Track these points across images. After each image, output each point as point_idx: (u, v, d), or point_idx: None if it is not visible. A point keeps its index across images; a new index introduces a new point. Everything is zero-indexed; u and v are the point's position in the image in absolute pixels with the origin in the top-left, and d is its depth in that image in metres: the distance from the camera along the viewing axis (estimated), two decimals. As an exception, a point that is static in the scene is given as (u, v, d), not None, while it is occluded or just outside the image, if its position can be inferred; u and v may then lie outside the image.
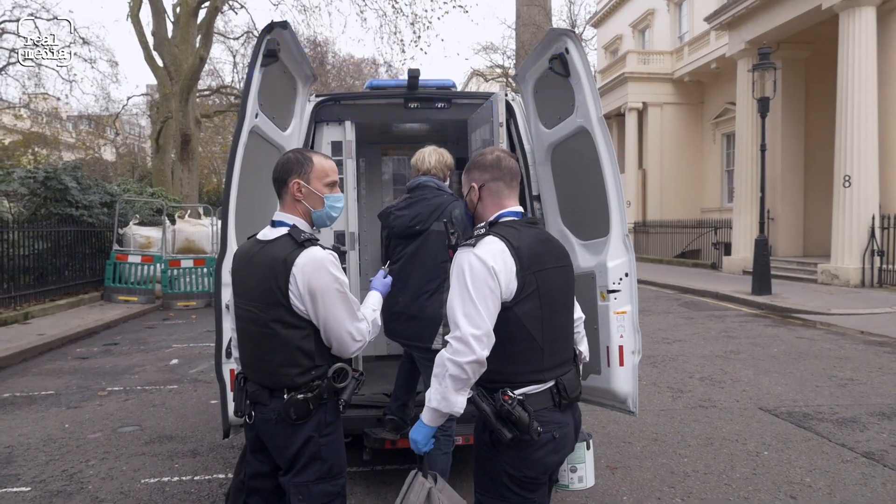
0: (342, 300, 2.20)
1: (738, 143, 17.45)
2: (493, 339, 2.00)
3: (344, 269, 2.30)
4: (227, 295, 2.52)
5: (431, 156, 3.65)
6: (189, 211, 16.00)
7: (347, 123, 4.38)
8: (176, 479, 4.13)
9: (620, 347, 3.14)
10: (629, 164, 24.15)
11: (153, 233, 13.83)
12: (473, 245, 2.05)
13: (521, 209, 2.24)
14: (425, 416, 2.09)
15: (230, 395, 2.87)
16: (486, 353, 1.98)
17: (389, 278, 2.61)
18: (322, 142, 4.39)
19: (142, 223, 14.46)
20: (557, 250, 2.24)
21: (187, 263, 12.98)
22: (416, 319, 3.39)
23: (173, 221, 14.59)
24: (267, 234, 2.31)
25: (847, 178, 13.36)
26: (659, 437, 4.79)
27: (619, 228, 3.18)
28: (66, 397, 6.17)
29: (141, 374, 7.12)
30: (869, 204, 13.23)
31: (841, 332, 8.97)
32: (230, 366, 2.88)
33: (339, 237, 4.37)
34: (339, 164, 4.37)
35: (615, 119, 25.57)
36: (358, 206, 4.54)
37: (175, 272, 12.90)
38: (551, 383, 2.10)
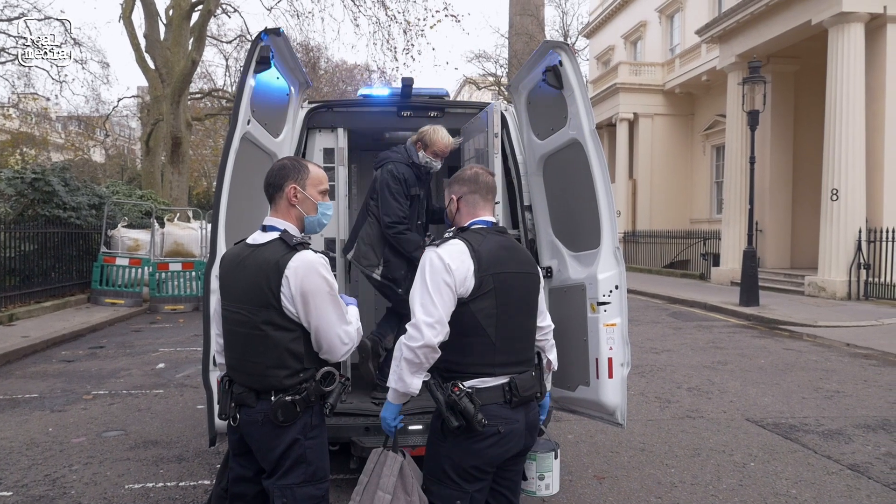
0: (333, 303, 2.23)
1: (728, 155, 17.60)
2: (446, 328, 2.16)
3: (334, 275, 2.32)
4: (215, 301, 2.51)
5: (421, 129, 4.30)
6: (178, 214, 15.91)
7: (340, 130, 4.37)
8: (161, 484, 4.08)
9: (609, 360, 3.15)
10: (619, 174, 24.29)
11: (141, 235, 13.73)
12: (438, 245, 2.26)
13: (492, 219, 2.44)
14: (389, 395, 2.29)
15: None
16: (437, 339, 2.14)
17: (353, 299, 2.58)
18: (314, 148, 4.38)
19: (130, 226, 14.34)
20: (522, 257, 2.40)
21: (175, 267, 12.90)
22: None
23: (162, 224, 14.49)
24: (257, 238, 2.32)
25: (835, 191, 13.50)
26: (646, 448, 4.80)
27: (609, 240, 3.19)
28: (50, 401, 6.10)
29: (127, 377, 7.05)
30: (856, 217, 13.37)
31: (827, 345, 9.04)
32: (217, 373, 2.86)
33: (330, 244, 4.37)
34: (331, 170, 4.36)
35: (606, 129, 25.72)
36: (349, 214, 4.54)
37: (163, 275, 12.82)
38: (504, 379, 2.25)
